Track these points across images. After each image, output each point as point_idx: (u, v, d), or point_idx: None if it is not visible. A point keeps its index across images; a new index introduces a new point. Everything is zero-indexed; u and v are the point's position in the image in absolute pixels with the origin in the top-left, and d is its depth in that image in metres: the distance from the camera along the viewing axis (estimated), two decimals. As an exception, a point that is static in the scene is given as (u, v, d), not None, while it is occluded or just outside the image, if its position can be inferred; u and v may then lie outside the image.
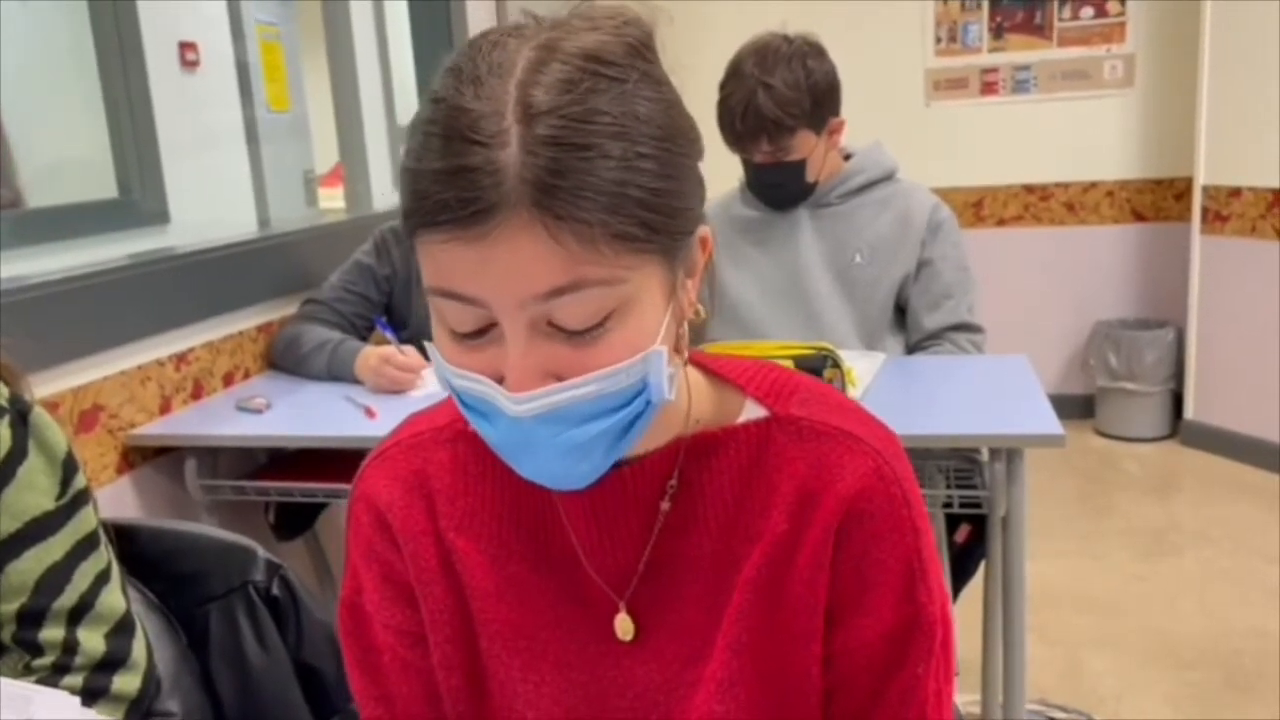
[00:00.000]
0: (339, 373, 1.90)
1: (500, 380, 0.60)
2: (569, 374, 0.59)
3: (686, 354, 0.69)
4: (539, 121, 0.55)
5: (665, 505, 0.71)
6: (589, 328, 0.58)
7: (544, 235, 0.55)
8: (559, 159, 0.55)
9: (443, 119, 0.57)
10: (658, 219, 0.58)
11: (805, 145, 1.82)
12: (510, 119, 0.55)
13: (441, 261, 0.58)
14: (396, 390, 1.82)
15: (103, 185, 2.50)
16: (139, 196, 2.53)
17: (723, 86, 1.80)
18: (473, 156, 0.55)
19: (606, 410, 0.60)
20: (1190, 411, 3.78)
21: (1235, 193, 3.51)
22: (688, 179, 0.62)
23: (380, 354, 1.84)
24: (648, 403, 0.62)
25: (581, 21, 0.61)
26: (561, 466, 0.63)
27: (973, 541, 2.03)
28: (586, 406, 0.60)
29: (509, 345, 0.59)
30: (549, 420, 0.60)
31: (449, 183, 0.55)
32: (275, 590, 1.17)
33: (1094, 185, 4.06)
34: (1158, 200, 4.02)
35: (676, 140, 0.60)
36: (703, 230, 0.65)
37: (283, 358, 2.01)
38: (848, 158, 1.97)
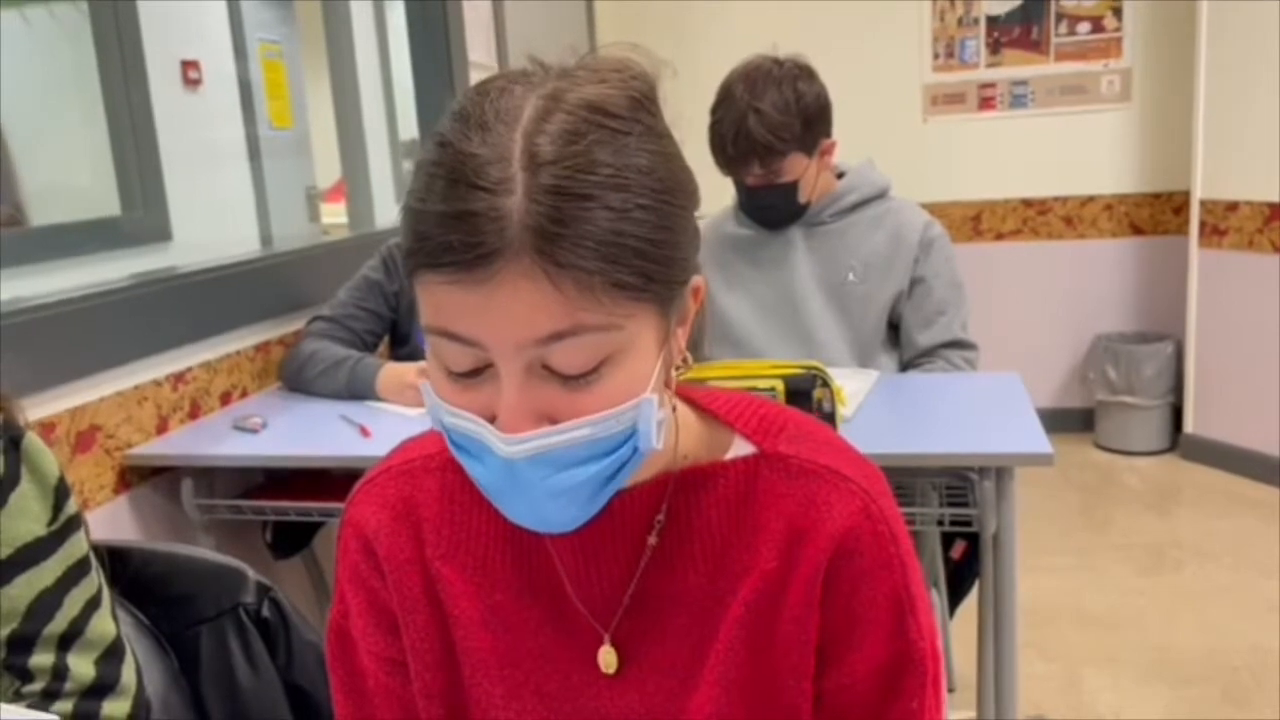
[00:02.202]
0: (359, 389, 1.90)
1: (492, 420, 0.61)
2: (561, 417, 0.60)
3: (674, 400, 0.70)
4: (543, 170, 0.56)
5: (652, 540, 0.72)
6: (584, 373, 0.59)
7: (545, 281, 0.56)
8: (561, 207, 0.56)
9: (448, 162, 0.58)
10: (654, 268, 0.59)
11: (797, 167, 1.83)
12: (516, 166, 0.56)
13: (442, 302, 0.59)
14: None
15: (105, 203, 2.52)
16: (141, 214, 2.55)
17: (713, 111, 1.81)
18: (477, 201, 0.56)
19: (596, 455, 0.61)
20: (1190, 425, 3.78)
21: (1232, 206, 3.51)
22: (683, 230, 0.63)
23: (422, 368, 1.84)
24: (635, 449, 0.63)
25: (587, 73, 0.62)
26: (549, 509, 0.63)
27: (969, 557, 2.03)
28: (577, 450, 0.61)
29: (504, 387, 0.59)
30: (539, 463, 0.61)
31: (453, 226, 0.56)
32: (265, 612, 1.17)
33: (1092, 199, 4.06)
34: (1156, 214, 4.02)
35: (674, 193, 0.62)
36: (695, 280, 0.67)
37: (297, 376, 1.99)
38: (840, 175, 1.99)
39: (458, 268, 0.56)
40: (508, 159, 0.56)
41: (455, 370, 0.61)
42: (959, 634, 2.15)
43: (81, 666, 1.03)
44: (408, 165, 3.99)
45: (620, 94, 0.61)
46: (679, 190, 0.62)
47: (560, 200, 0.56)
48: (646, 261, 0.59)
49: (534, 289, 0.56)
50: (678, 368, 0.68)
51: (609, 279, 0.57)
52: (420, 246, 0.58)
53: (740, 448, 0.73)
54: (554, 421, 0.60)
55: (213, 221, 2.83)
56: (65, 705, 1.01)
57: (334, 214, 3.85)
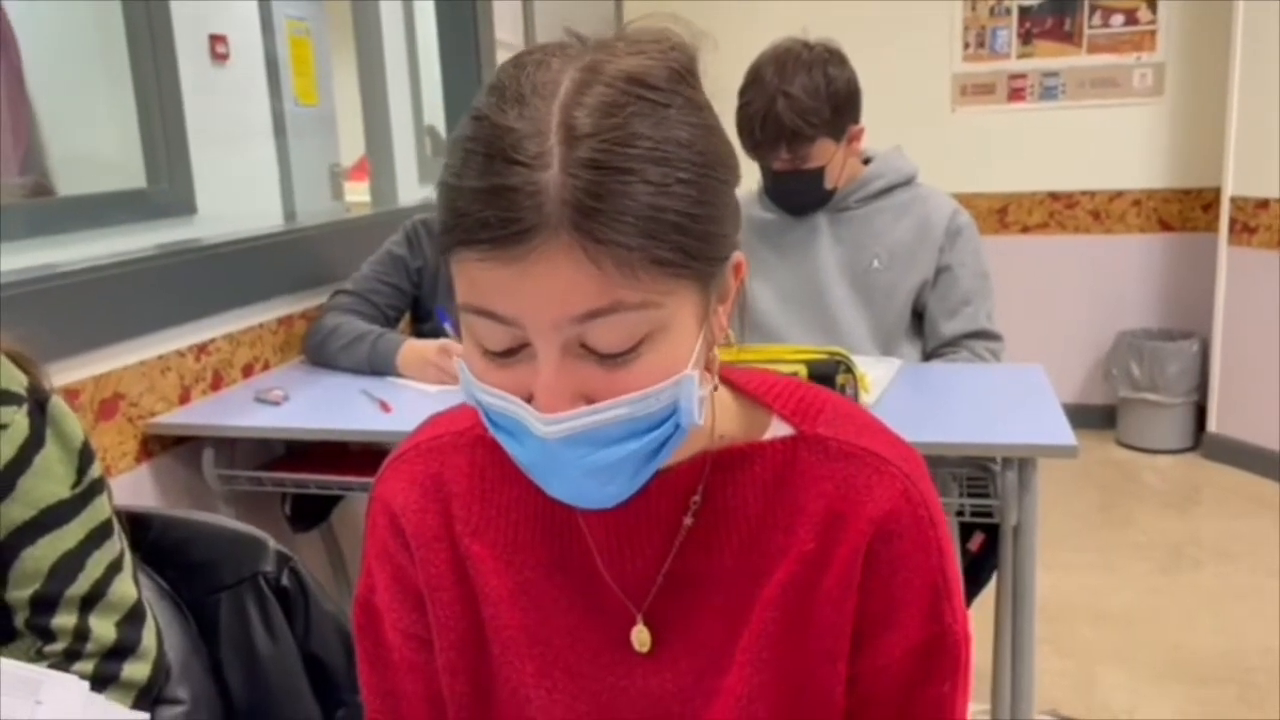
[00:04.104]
0: (379, 365, 1.90)
1: (529, 399, 0.60)
2: (600, 396, 0.59)
3: (717, 377, 0.69)
4: (581, 144, 0.55)
5: (688, 520, 0.71)
6: (622, 351, 0.58)
7: (583, 258, 0.55)
8: (599, 181, 0.55)
9: (485, 137, 0.57)
10: (694, 244, 0.58)
11: (824, 153, 1.81)
12: (553, 140, 0.55)
13: (478, 280, 0.58)
14: (452, 383, 1.81)
15: (131, 175, 2.53)
16: (166, 187, 2.56)
17: (742, 94, 1.79)
18: (514, 176, 0.55)
19: (636, 433, 0.61)
20: (1213, 424, 3.75)
21: (1263, 204, 3.47)
22: (724, 205, 0.62)
23: (443, 345, 1.85)
24: (677, 426, 0.62)
25: (626, 45, 0.60)
26: (589, 487, 0.63)
27: (987, 550, 2.02)
28: (616, 429, 0.60)
29: (541, 366, 0.59)
30: (577, 442, 0.60)
31: (489, 201, 0.55)
32: (285, 581, 1.18)
33: (1120, 194, 4.02)
34: (1185, 210, 3.98)
35: (715, 167, 0.60)
36: (736, 256, 0.65)
37: (319, 349, 2.00)
38: (867, 161, 1.97)
39: (494, 244, 0.55)
40: (545, 132, 0.55)
41: (492, 349, 0.60)
42: (975, 627, 2.14)
43: (103, 628, 1.03)
44: (430, 145, 4.00)
45: (659, 65, 0.59)
46: (720, 164, 0.61)
47: (598, 174, 0.55)
48: (687, 237, 0.57)
49: (572, 265, 0.55)
50: (720, 345, 0.67)
51: (648, 255, 0.56)
52: (457, 223, 0.57)
53: (778, 429, 0.73)
54: (592, 401, 0.59)
55: (237, 196, 2.83)
56: (86, 666, 1.02)
57: (357, 192, 3.86)
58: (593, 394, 0.59)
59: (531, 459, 0.63)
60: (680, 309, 0.60)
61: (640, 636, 0.73)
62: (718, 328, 0.66)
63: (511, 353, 0.60)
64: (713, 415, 0.70)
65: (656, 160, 0.56)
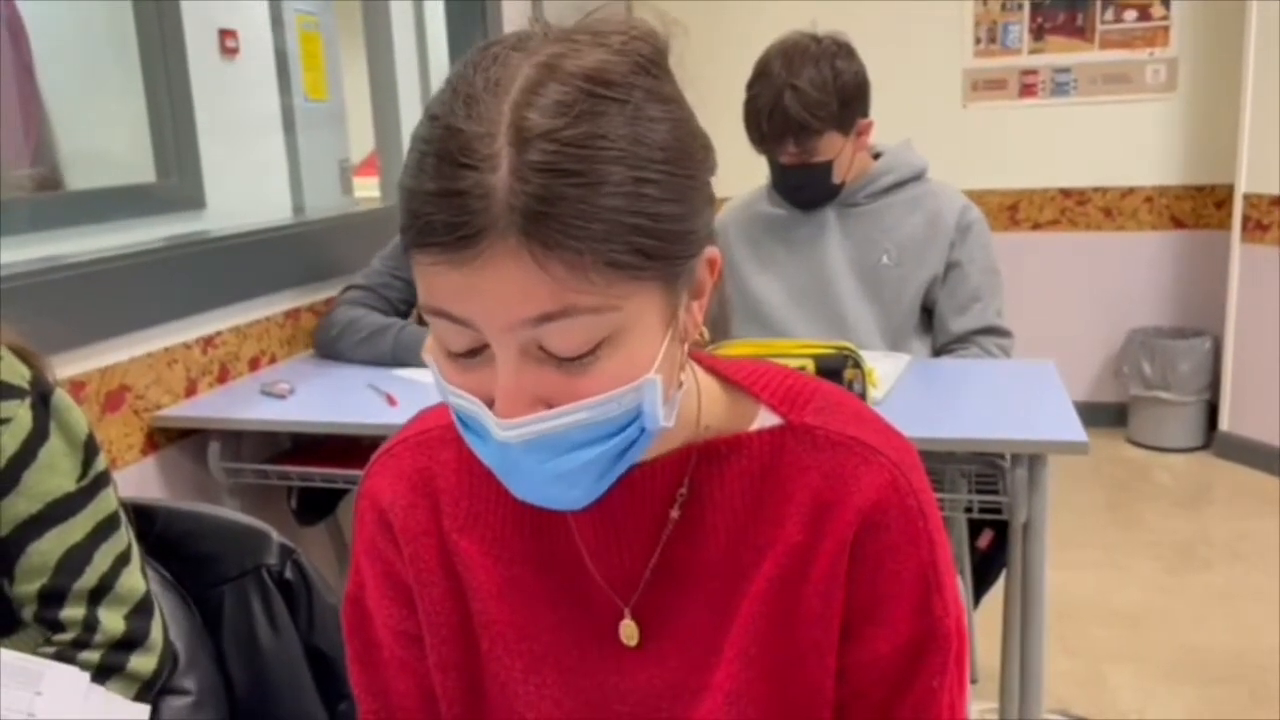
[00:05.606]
0: (404, 356, 1.90)
1: (491, 402, 0.59)
2: (559, 400, 0.58)
3: (685, 376, 0.67)
4: (531, 146, 0.53)
5: (674, 513, 0.70)
6: (580, 355, 0.57)
7: (531, 263, 0.53)
8: (550, 185, 0.53)
9: (437, 138, 0.55)
10: (656, 245, 0.56)
11: (832, 147, 1.80)
12: (502, 141, 0.53)
13: (433, 282, 0.57)
14: None
15: (140, 169, 2.53)
16: (176, 181, 2.57)
17: (750, 86, 1.78)
18: (462, 180, 0.54)
19: (598, 438, 0.60)
20: (1225, 423, 3.72)
21: (1277, 201, 3.44)
22: (694, 200, 0.59)
23: None
24: (641, 430, 0.61)
25: (588, 36, 0.58)
26: (552, 490, 0.62)
27: (995, 548, 2.01)
28: (576, 434, 0.59)
29: (499, 369, 0.58)
30: (537, 447, 0.59)
31: (439, 205, 0.54)
32: (288, 574, 1.18)
33: (1132, 191, 4.00)
34: (1197, 207, 3.95)
35: (682, 162, 0.58)
36: (710, 251, 0.63)
37: (335, 343, 1.99)
38: (877, 156, 1.96)
39: (443, 248, 0.54)
40: (494, 134, 0.54)
41: (454, 350, 0.60)
42: (983, 625, 2.13)
43: (112, 621, 1.04)
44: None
45: (621, 59, 0.57)
46: (686, 158, 0.59)
47: (549, 178, 0.53)
48: (646, 238, 0.56)
49: (521, 270, 0.54)
50: (695, 343, 0.66)
51: (602, 259, 0.54)
52: (410, 225, 0.56)
53: (765, 419, 0.71)
54: (552, 404, 0.58)
55: (246, 191, 2.83)
56: (92, 656, 1.02)
57: (366, 187, 3.86)
58: (552, 398, 0.58)
59: (494, 460, 0.62)
60: (642, 311, 0.58)
61: (628, 630, 0.72)
62: (691, 325, 0.64)
63: (473, 354, 0.59)
64: (698, 407, 0.69)
65: (611, 161, 0.54)
